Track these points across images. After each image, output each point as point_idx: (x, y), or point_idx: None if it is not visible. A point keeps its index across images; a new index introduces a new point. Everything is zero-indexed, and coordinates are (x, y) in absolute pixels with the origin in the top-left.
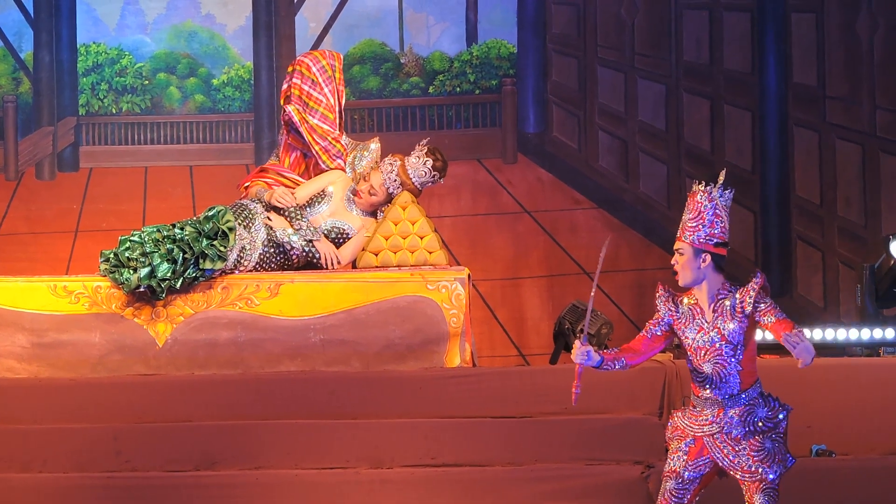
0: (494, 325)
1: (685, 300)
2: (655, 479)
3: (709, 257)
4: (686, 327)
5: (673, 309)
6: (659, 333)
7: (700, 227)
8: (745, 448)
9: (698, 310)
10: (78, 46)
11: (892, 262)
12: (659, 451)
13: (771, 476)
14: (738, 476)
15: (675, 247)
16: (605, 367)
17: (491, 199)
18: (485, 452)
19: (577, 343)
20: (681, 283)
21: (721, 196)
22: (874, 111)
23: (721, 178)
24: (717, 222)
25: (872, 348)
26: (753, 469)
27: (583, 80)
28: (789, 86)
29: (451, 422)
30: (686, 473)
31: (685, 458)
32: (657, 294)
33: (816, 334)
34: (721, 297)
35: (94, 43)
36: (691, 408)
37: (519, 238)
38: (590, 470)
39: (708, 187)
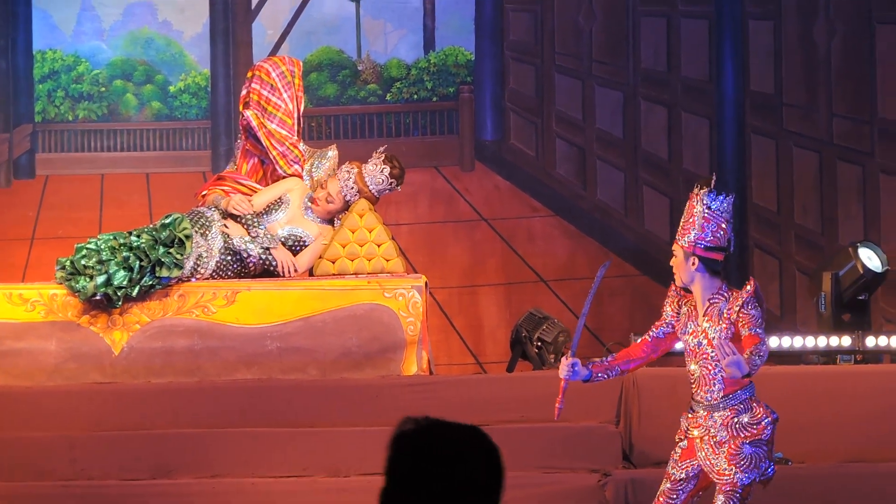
0: (451, 332)
1: (690, 301)
2: (612, 488)
3: (697, 260)
4: (683, 328)
5: (676, 310)
6: (661, 336)
7: (690, 230)
8: (724, 451)
9: (694, 312)
10: (34, 53)
11: (863, 269)
12: (615, 460)
13: (740, 481)
14: (713, 478)
15: (672, 248)
16: (597, 379)
17: (448, 206)
18: None
19: (563, 359)
20: (677, 283)
21: (714, 200)
22: (831, 119)
23: (712, 183)
24: (707, 226)
25: (829, 356)
26: (726, 471)
27: (540, 88)
28: (747, 93)
29: None
30: (677, 474)
31: (677, 458)
32: (668, 293)
33: (773, 342)
34: (714, 301)
35: (50, 49)
36: (690, 409)
37: (476, 246)
38: (546, 478)
39: (702, 191)
